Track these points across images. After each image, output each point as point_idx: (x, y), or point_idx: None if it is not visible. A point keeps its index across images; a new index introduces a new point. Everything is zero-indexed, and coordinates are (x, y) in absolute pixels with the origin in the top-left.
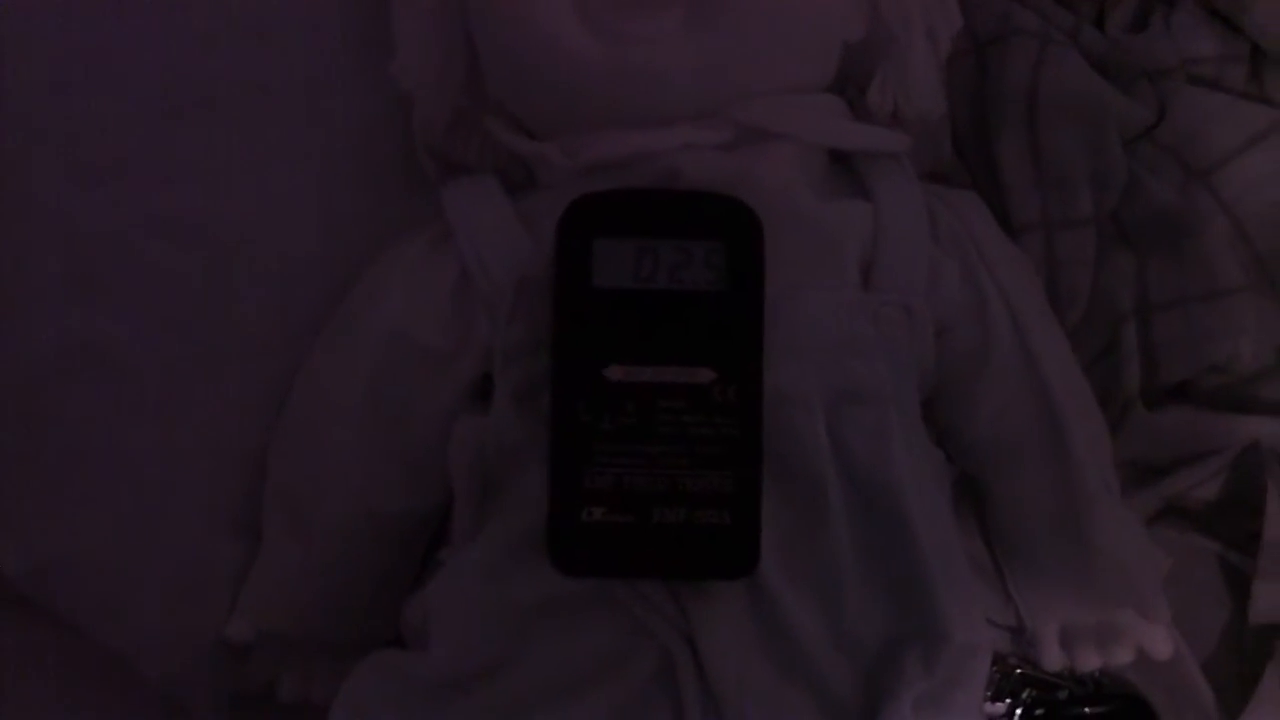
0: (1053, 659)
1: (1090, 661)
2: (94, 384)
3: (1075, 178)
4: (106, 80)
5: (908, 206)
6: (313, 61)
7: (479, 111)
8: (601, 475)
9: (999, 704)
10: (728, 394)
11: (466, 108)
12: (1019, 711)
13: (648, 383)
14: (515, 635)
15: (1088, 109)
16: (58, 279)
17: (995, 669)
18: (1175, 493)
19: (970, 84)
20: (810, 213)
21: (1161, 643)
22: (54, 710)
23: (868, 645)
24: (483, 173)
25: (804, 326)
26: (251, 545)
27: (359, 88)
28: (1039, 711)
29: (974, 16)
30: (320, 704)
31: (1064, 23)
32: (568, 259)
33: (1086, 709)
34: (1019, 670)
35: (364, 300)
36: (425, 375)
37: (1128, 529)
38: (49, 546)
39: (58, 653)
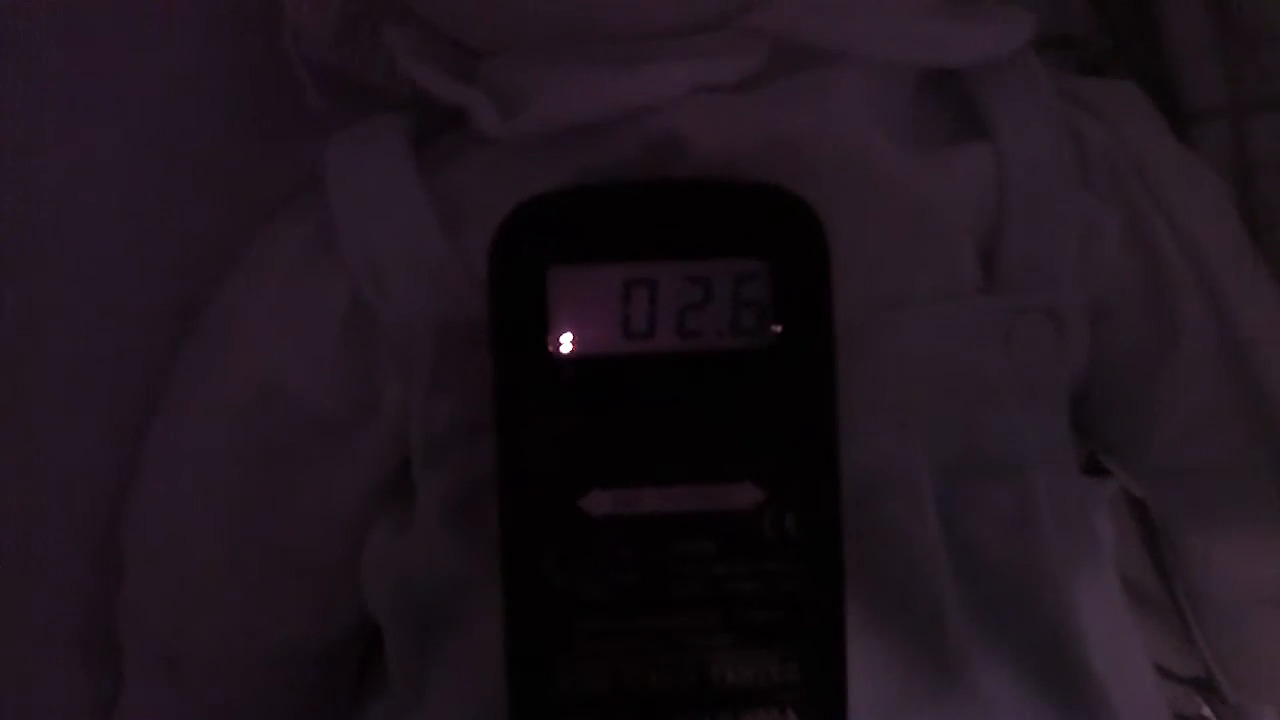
0: None
1: None
2: None
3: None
4: None
5: (1044, 140)
6: None
7: (377, 13)
8: (588, 670)
9: None
10: (784, 524)
11: (360, 8)
12: None
13: (652, 515)
14: None
15: None
16: None
17: None
18: None
19: None
20: (897, 183)
21: None
22: None
23: None
24: (390, 110)
25: (900, 368)
26: (111, 677)
27: None
28: None
29: None
30: None
31: None
32: (508, 308)
33: None
34: None
35: (218, 335)
36: (313, 455)
37: None
38: None
39: None
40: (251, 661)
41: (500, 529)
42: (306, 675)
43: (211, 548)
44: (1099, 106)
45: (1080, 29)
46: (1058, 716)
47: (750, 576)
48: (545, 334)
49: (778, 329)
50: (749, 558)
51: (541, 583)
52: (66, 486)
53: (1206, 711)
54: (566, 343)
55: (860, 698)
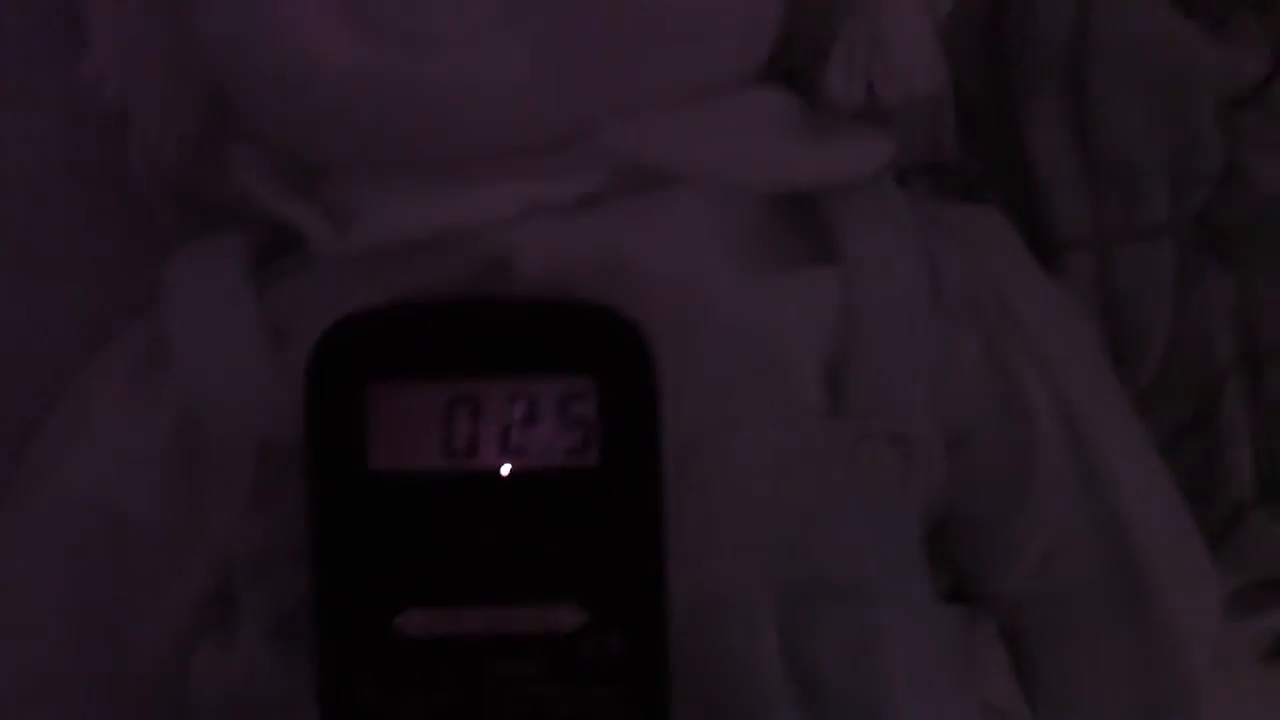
0: None
1: None
2: None
3: (1144, 166)
4: None
5: (897, 262)
6: None
7: (227, 135)
8: None
9: None
10: (607, 645)
11: (209, 128)
12: None
13: (471, 636)
14: None
15: (1163, 64)
16: None
17: None
18: None
19: (983, 35)
20: (734, 308)
21: None
22: None
23: None
24: (234, 227)
25: (734, 493)
26: None
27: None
28: None
29: None
30: None
31: None
32: (325, 424)
33: None
34: None
35: (50, 456)
36: (144, 572)
37: None
38: None
39: None
40: None
41: (315, 648)
42: None
43: (39, 668)
44: (961, 233)
45: (950, 157)
46: None
47: (572, 700)
48: (363, 450)
49: (603, 449)
50: (571, 681)
51: (357, 704)
52: None
53: None
54: (385, 459)
55: None
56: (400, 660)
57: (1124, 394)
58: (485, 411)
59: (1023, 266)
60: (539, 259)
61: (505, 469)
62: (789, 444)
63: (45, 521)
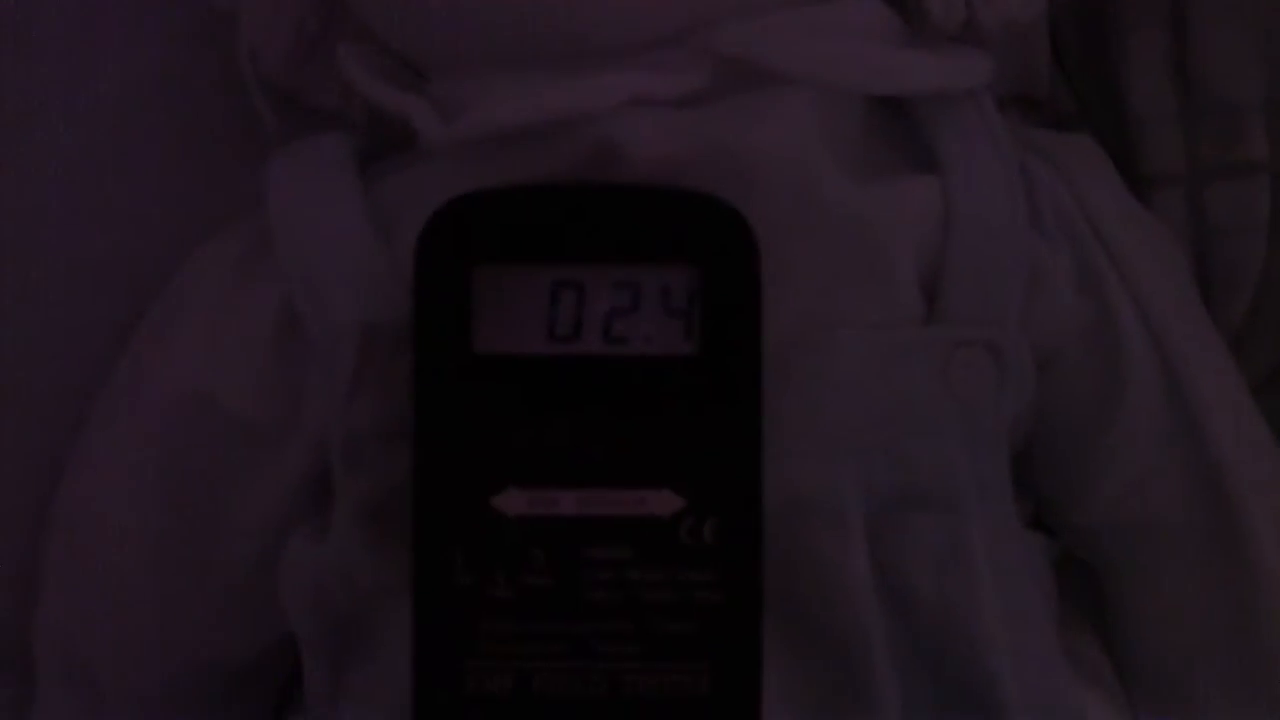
0: None
1: None
2: None
3: (1242, 100)
4: None
5: (994, 178)
6: None
7: (334, 36)
8: (494, 671)
9: None
10: (703, 532)
11: (316, 30)
12: None
13: (567, 518)
14: None
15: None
16: None
17: None
18: None
19: None
20: (840, 205)
21: None
22: None
23: None
24: (338, 129)
25: (831, 392)
26: (26, 684)
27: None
28: None
29: None
30: None
31: None
32: (432, 305)
33: None
34: None
35: (148, 349)
36: (239, 463)
37: None
38: None
39: None
40: (169, 676)
41: (412, 524)
42: (225, 693)
43: (132, 558)
44: (1054, 156)
45: (1043, 90)
46: None
47: (665, 585)
48: (468, 332)
49: (705, 339)
50: (665, 566)
51: (450, 581)
52: None
53: None
54: (488, 342)
55: (775, 716)
56: (496, 540)
57: (1216, 329)
58: (589, 297)
59: (1117, 193)
60: (648, 148)
61: (607, 354)
62: (888, 347)
63: (142, 412)
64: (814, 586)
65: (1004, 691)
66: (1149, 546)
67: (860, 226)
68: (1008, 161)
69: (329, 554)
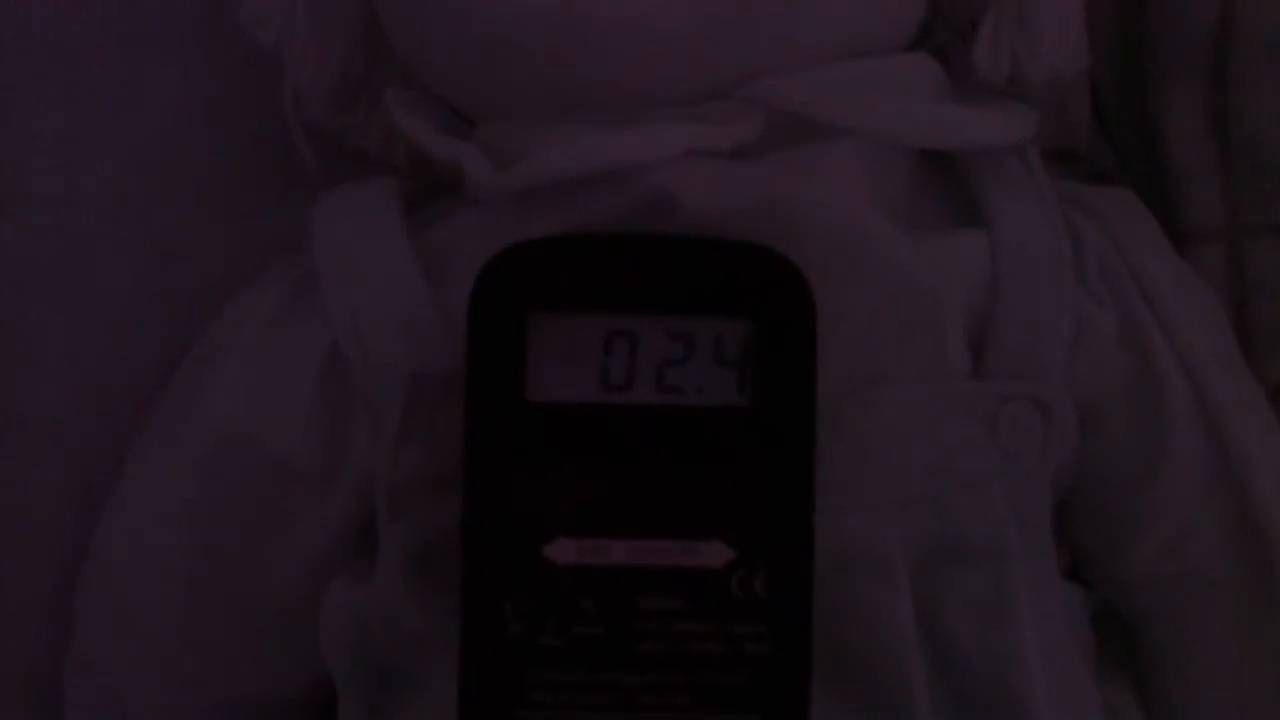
0: None
1: None
2: None
3: None
4: None
5: (1041, 232)
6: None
7: (380, 81)
8: None
9: None
10: (753, 584)
11: (361, 74)
12: None
13: (618, 568)
14: None
15: None
16: None
17: None
18: None
19: (1121, 23)
20: (890, 260)
21: None
22: None
23: None
24: (383, 173)
25: (879, 444)
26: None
27: (203, 41)
28: None
29: None
30: None
31: None
32: (486, 352)
33: None
34: None
35: (190, 388)
36: (279, 505)
37: None
38: None
39: None
40: (199, 715)
41: (461, 571)
42: None
43: (168, 595)
44: (1098, 211)
45: (1083, 144)
46: None
47: (716, 637)
48: (521, 380)
49: (759, 391)
50: (716, 618)
51: (499, 630)
52: (26, 531)
53: None
54: (542, 390)
55: None
56: (547, 589)
57: (1258, 386)
58: (643, 347)
59: (1160, 248)
60: (701, 199)
61: (659, 404)
62: (936, 402)
63: (181, 450)
64: (859, 636)
65: None
66: (1189, 600)
67: (910, 281)
68: (1054, 216)
69: (372, 599)
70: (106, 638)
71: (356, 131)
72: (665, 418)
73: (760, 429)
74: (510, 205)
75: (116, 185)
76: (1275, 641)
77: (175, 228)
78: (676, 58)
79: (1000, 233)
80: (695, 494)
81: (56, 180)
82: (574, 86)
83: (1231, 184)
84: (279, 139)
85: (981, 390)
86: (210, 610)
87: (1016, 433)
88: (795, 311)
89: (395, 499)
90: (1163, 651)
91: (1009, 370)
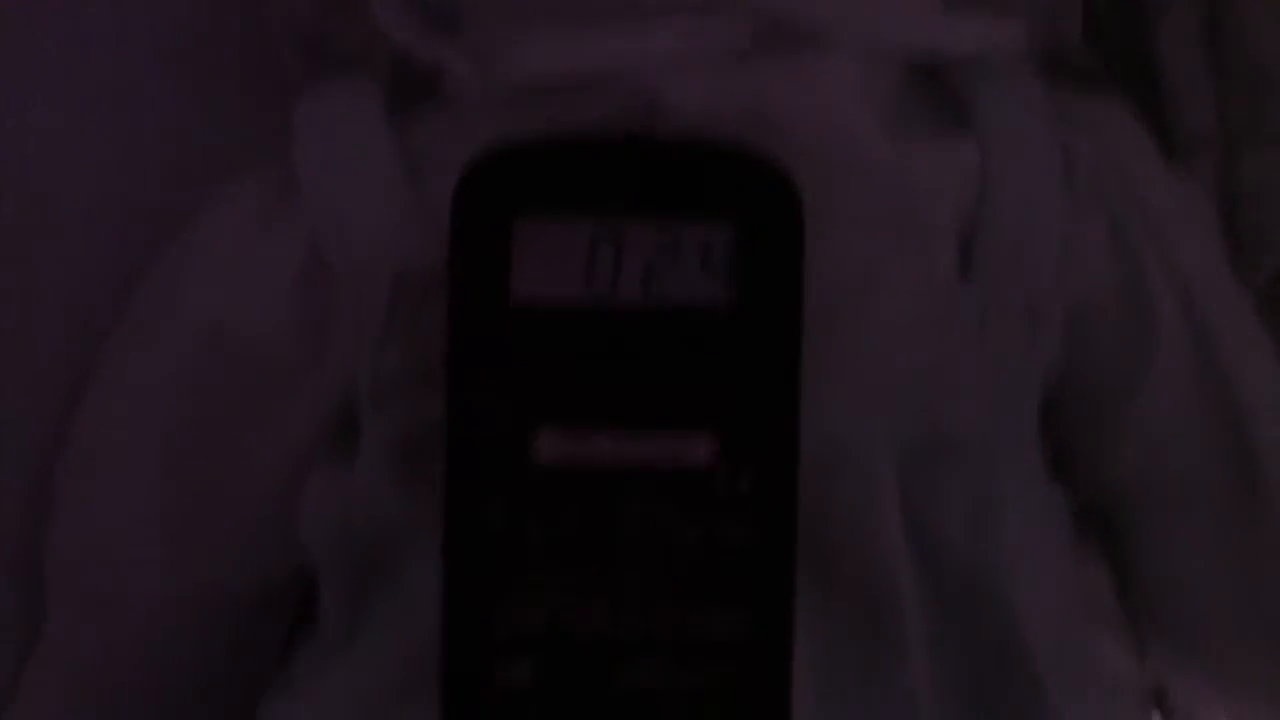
0: None
1: None
2: None
3: (1275, 69)
4: None
5: (1030, 140)
6: None
7: None
8: (527, 614)
9: None
10: (739, 481)
11: None
12: None
13: (603, 466)
14: None
15: None
16: None
17: None
18: None
19: None
20: (880, 163)
21: None
22: None
23: None
24: (365, 76)
25: (867, 345)
26: (38, 599)
27: None
28: None
29: None
30: None
31: None
32: (469, 255)
33: None
34: None
35: (169, 282)
36: (258, 394)
37: None
38: None
39: None
40: (180, 606)
41: (444, 470)
42: (235, 621)
43: (144, 484)
44: (1088, 121)
45: (1074, 53)
46: (999, 715)
47: (700, 534)
48: (505, 282)
49: (744, 291)
50: (700, 513)
51: (483, 526)
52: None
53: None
54: (526, 292)
55: (805, 663)
56: (530, 487)
57: (1245, 292)
58: (628, 249)
59: (1149, 158)
60: (688, 103)
61: (645, 306)
62: (926, 305)
63: (158, 341)
64: (845, 534)
65: (1029, 637)
66: (1172, 501)
67: (900, 185)
68: (1043, 125)
69: (355, 489)
70: (80, 525)
71: (339, 34)
72: (650, 319)
73: (746, 330)
74: (493, 107)
75: (89, 91)
76: (1254, 544)
77: (151, 133)
78: None
79: (990, 140)
80: (681, 393)
81: (21, 86)
82: None
83: (1223, 93)
84: (260, 38)
85: (970, 295)
86: (189, 498)
87: (1005, 337)
88: (783, 214)
89: (378, 395)
90: (1143, 550)
91: (999, 275)
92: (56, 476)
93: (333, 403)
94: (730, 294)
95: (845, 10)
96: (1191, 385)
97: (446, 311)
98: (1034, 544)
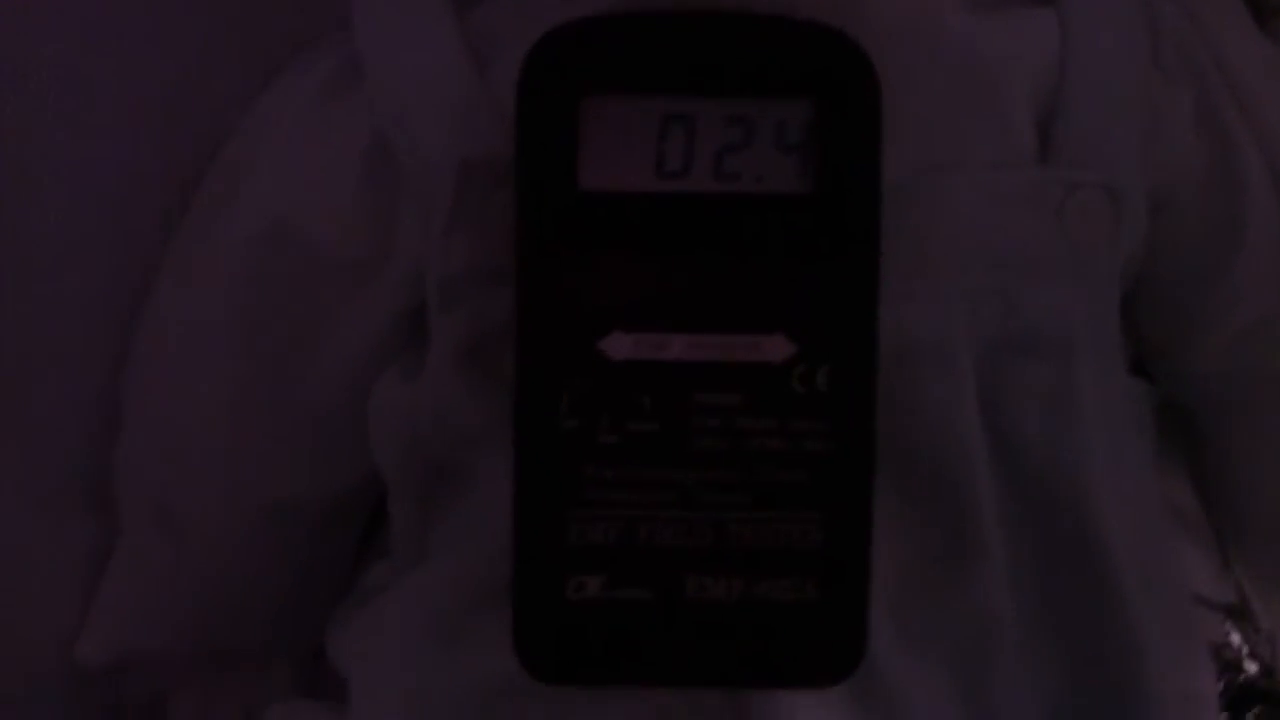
0: None
1: None
2: None
3: None
4: None
5: (1114, 11)
6: None
7: None
8: (599, 522)
9: None
10: (815, 380)
11: None
12: None
13: (676, 362)
14: None
15: None
16: None
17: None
18: None
19: None
20: (958, 39)
21: None
22: None
23: None
24: None
25: (945, 234)
26: (110, 522)
27: None
28: None
29: None
30: None
31: None
32: (536, 139)
33: None
34: (1244, 677)
35: (227, 179)
36: (325, 295)
37: None
38: None
39: None
40: (249, 516)
41: (515, 366)
42: (306, 534)
43: (213, 394)
44: None
45: None
46: (1066, 619)
47: (776, 433)
48: (574, 167)
49: (821, 176)
50: (776, 413)
51: (554, 427)
52: (67, 336)
53: (1235, 638)
54: (595, 178)
55: (879, 568)
56: (602, 384)
57: None
58: (700, 131)
59: (1242, 27)
60: None
61: (718, 191)
62: (1002, 188)
63: (220, 244)
64: (921, 431)
65: (1107, 535)
66: (1259, 393)
67: (976, 62)
68: None
69: (423, 394)
70: (148, 441)
71: None
72: (724, 206)
73: (823, 217)
74: None
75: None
76: None
77: (204, 19)
78: None
79: (1071, 12)
80: (755, 286)
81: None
82: None
83: None
84: None
85: (1049, 177)
86: (256, 406)
87: (1085, 222)
88: (861, 93)
89: (446, 290)
90: (1229, 445)
91: (1078, 157)
92: (122, 389)
93: (401, 301)
94: (806, 179)
95: None
96: None
97: (514, 199)
98: (1114, 443)
